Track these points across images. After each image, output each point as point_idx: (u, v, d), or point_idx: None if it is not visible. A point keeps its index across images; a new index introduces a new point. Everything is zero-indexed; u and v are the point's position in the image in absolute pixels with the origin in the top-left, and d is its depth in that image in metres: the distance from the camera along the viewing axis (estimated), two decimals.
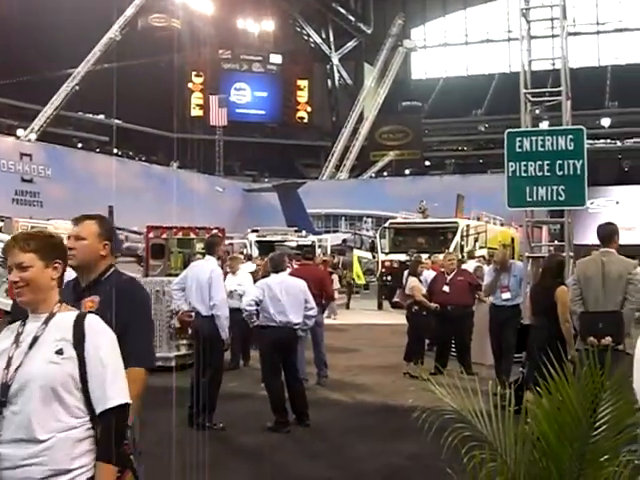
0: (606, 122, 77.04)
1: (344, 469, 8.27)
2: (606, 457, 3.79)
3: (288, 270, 11.27)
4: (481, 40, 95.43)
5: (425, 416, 4.32)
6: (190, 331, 11.80)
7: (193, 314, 10.15)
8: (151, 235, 21.29)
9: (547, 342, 8.12)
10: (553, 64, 14.56)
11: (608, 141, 76.47)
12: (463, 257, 25.37)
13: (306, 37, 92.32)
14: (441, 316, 13.92)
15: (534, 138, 12.57)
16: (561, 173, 12.30)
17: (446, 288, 13.98)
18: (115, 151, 69.13)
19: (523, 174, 12.53)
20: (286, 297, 9.97)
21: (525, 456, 3.92)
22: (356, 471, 8.22)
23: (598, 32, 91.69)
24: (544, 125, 30.12)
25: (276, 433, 9.55)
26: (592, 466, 3.78)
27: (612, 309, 8.20)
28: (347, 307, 30.48)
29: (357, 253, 36.73)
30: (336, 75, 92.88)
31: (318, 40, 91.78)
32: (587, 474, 3.78)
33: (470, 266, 17.44)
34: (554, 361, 3.98)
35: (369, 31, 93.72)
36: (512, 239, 33.46)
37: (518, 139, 12.66)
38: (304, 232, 31.86)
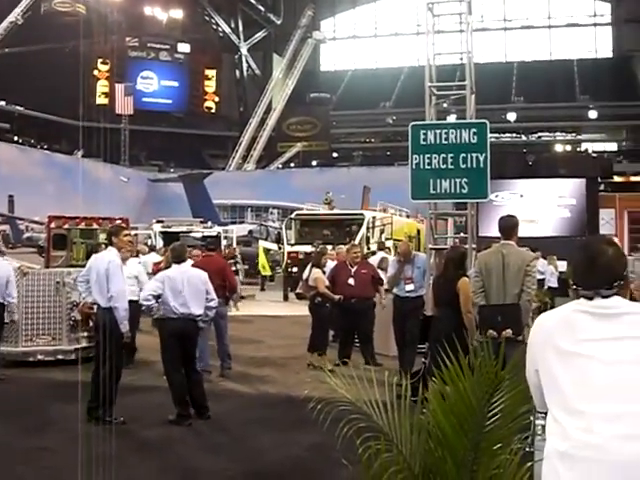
0: (512, 117, 78.98)
1: (245, 461, 8.22)
2: (499, 445, 3.84)
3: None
4: (390, 33, 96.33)
5: (323, 407, 4.30)
6: (91, 323, 11.55)
7: (95, 306, 9.93)
8: (53, 225, 20.87)
9: (449, 333, 8.17)
10: (461, 59, 14.71)
11: (514, 135, 78.29)
12: (369, 249, 25.53)
13: (215, 26, 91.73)
14: (344, 308, 13.92)
15: (438, 131, 12.70)
16: (464, 166, 12.46)
17: (351, 281, 13.99)
18: (16, 139, 67.56)
19: (427, 167, 12.65)
20: (187, 288, 9.84)
21: (420, 446, 3.95)
22: (257, 463, 8.18)
23: (505, 29, 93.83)
24: (451, 118, 30.53)
25: (178, 426, 9.44)
26: (486, 454, 3.83)
27: (512, 301, 8.34)
28: (253, 298, 30.33)
29: (263, 244, 36.58)
30: (244, 65, 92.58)
31: (227, 30, 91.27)
32: (481, 462, 3.82)
33: (376, 256, 17.54)
34: (450, 352, 4.01)
35: (279, 22, 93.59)
36: (418, 231, 33.80)
37: (422, 132, 12.78)
38: (210, 223, 31.46)
